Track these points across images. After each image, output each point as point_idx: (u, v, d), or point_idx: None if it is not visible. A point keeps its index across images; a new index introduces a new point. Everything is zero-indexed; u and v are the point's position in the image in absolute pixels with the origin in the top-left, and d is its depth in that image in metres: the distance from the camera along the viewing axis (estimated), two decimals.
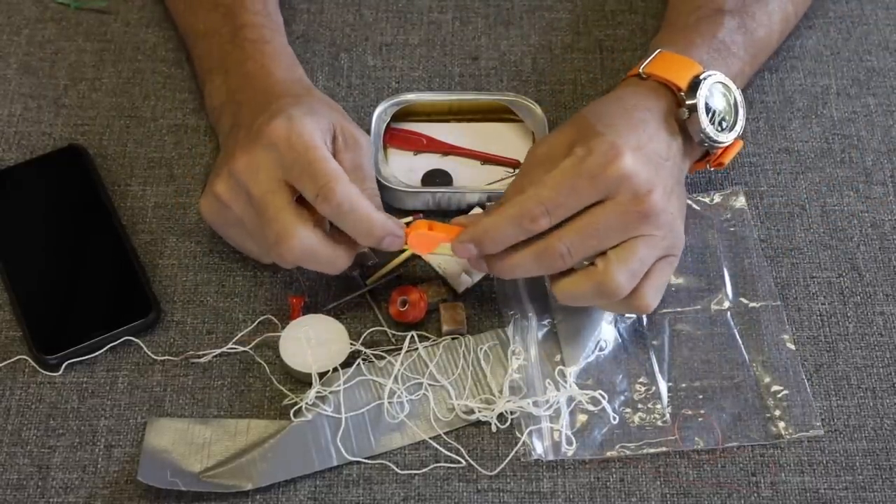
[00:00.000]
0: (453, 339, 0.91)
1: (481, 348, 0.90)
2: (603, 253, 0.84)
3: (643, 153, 0.85)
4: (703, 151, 0.92)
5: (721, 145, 0.90)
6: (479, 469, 0.86)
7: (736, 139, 0.91)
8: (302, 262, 0.86)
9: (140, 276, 0.93)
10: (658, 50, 0.92)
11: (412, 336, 0.90)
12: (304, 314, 0.91)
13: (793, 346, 0.91)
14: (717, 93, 0.90)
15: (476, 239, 0.85)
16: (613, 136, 0.84)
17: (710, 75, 0.89)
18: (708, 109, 0.89)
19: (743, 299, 0.93)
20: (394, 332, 0.91)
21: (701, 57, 0.92)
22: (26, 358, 0.90)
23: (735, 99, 0.91)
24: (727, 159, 0.92)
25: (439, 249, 0.88)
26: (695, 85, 0.89)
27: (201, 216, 0.91)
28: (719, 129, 0.90)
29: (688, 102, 0.88)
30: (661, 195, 0.84)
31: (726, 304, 0.93)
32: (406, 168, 0.98)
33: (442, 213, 0.96)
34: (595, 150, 0.83)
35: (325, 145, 0.86)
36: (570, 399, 0.88)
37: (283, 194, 0.85)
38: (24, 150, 1.00)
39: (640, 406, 0.88)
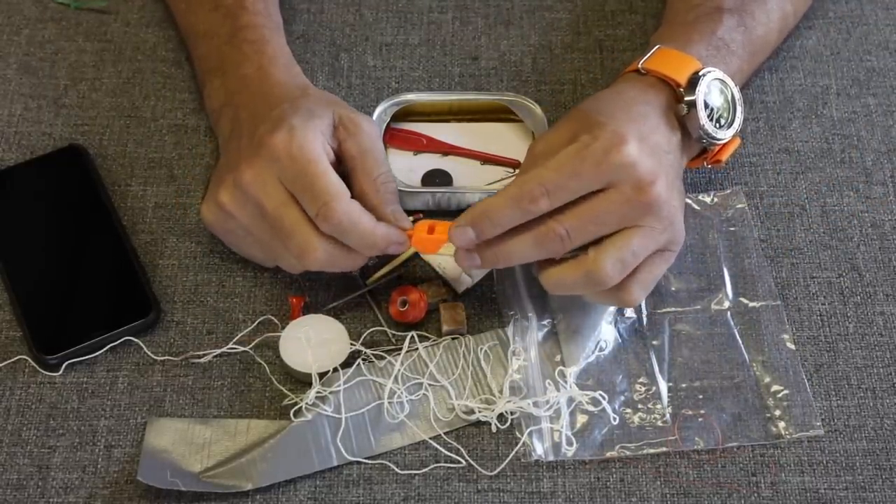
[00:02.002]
0: (453, 339, 0.91)
1: (481, 348, 0.90)
2: (596, 241, 0.84)
3: (647, 143, 0.85)
4: (701, 148, 0.92)
5: (719, 142, 0.90)
6: (479, 469, 0.86)
7: (734, 136, 0.91)
8: (323, 269, 0.87)
9: (140, 276, 0.93)
10: (657, 46, 0.92)
11: (412, 336, 0.90)
12: (304, 314, 0.91)
13: (793, 346, 0.91)
14: (715, 90, 0.90)
15: (475, 221, 0.84)
16: (616, 126, 0.84)
17: (708, 72, 0.89)
18: (706, 106, 0.89)
19: (743, 299, 0.93)
20: (394, 332, 0.91)
21: (700, 53, 0.92)
22: (26, 358, 0.90)
23: (733, 96, 0.91)
24: (725, 157, 0.92)
25: (443, 249, 0.88)
26: (694, 81, 0.89)
27: (202, 221, 0.91)
28: (717, 126, 0.89)
29: (687, 99, 0.88)
30: (664, 186, 0.84)
31: (726, 304, 0.93)
32: (406, 168, 0.98)
33: (442, 214, 0.96)
34: (600, 136, 0.83)
35: (326, 152, 0.87)
36: (571, 399, 0.88)
37: (295, 207, 0.85)
38: (24, 150, 1.00)
39: (640, 406, 0.88)
